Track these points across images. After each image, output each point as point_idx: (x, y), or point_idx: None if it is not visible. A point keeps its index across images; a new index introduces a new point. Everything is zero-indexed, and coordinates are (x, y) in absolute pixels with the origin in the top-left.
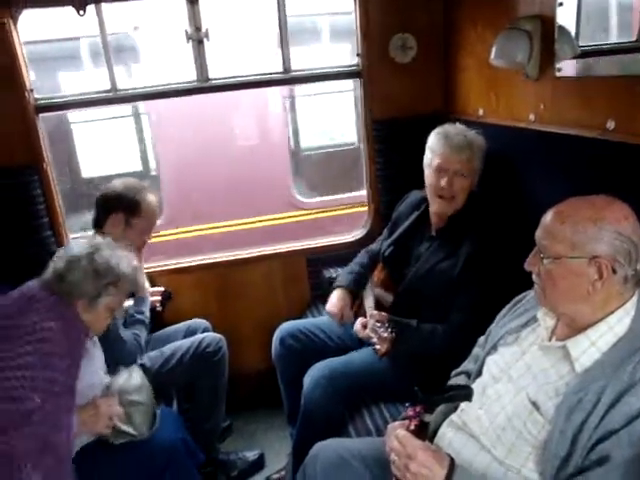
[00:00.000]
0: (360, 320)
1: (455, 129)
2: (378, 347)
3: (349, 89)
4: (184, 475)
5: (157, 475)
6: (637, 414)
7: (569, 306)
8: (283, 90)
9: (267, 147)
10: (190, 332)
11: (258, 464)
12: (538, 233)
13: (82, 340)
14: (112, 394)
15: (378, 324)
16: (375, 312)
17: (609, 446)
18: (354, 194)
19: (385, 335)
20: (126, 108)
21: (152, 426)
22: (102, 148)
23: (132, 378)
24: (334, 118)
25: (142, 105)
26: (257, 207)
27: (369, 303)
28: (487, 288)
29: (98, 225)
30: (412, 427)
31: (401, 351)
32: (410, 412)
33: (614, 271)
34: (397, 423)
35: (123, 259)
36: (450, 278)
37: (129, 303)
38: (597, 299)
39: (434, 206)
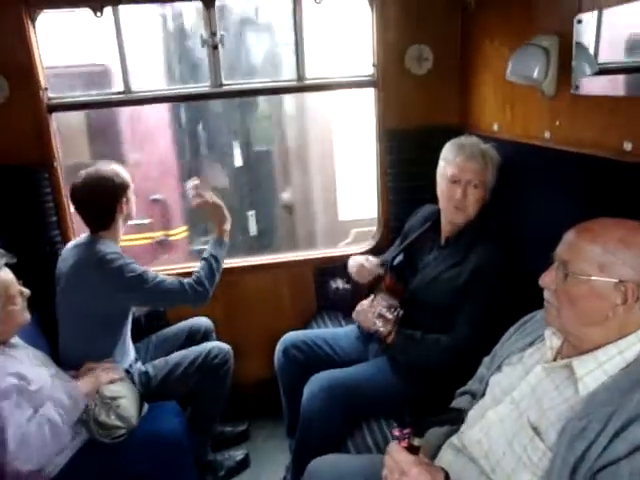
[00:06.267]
0: (366, 303)
1: (469, 140)
2: (382, 329)
3: None
4: (186, 469)
5: (159, 467)
6: None
7: (582, 328)
8: None
9: None
10: (194, 331)
11: (244, 463)
12: (561, 249)
13: None
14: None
15: (384, 309)
16: (385, 295)
17: (608, 475)
18: None
19: (390, 317)
20: None
21: (139, 416)
22: None
23: None
24: None
25: None
26: None
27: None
28: (493, 301)
29: (104, 223)
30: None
31: (403, 362)
32: (397, 432)
33: (638, 298)
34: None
35: None
36: (454, 286)
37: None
38: (613, 324)
39: (447, 215)
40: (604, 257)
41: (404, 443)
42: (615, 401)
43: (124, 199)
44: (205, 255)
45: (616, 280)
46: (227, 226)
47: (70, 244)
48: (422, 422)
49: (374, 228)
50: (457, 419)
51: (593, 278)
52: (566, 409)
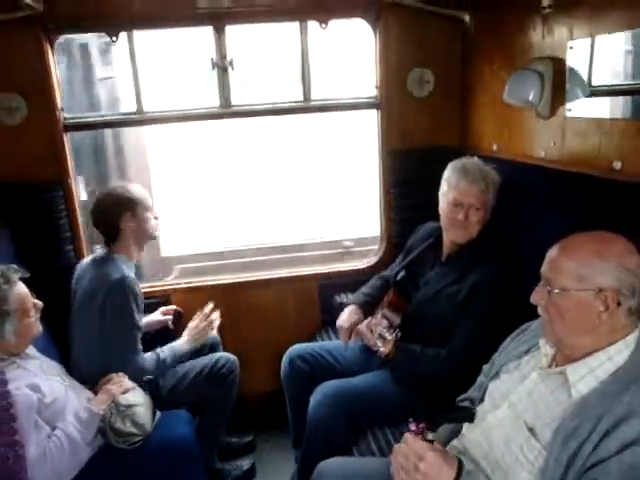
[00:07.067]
0: (367, 322)
1: (472, 163)
2: (382, 349)
3: None
4: (198, 475)
5: (172, 474)
6: (630, 443)
7: (575, 338)
8: None
9: None
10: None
11: (251, 472)
12: (544, 267)
13: None
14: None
15: (384, 329)
16: (387, 312)
17: (598, 473)
18: None
19: (389, 337)
20: None
21: (152, 422)
22: None
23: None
24: None
25: None
26: None
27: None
28: (490, 317)
29: (112, 235)
30: None
31: (402, 375)
32: (412, 427)
33: (619, 303)
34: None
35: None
36: (455, 302)
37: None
38: (602, 330)
39: (449, 234)
40: (581, 270)
41: (419, 437)
42: (606, 404)
43: (127, 213)
44: (163, 356)
45: (595, 289)
46: (196, 345)
47: (86, 261)
48: (436, 417)
49: (206, 263)
50: (468, 416)
51: (573, 291)
52: (560, 411)
